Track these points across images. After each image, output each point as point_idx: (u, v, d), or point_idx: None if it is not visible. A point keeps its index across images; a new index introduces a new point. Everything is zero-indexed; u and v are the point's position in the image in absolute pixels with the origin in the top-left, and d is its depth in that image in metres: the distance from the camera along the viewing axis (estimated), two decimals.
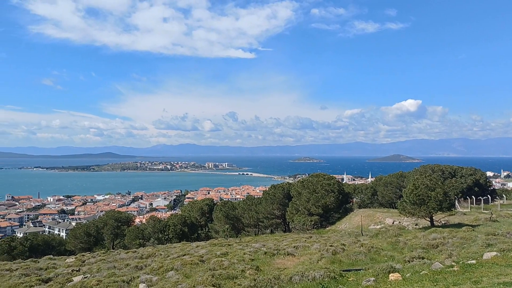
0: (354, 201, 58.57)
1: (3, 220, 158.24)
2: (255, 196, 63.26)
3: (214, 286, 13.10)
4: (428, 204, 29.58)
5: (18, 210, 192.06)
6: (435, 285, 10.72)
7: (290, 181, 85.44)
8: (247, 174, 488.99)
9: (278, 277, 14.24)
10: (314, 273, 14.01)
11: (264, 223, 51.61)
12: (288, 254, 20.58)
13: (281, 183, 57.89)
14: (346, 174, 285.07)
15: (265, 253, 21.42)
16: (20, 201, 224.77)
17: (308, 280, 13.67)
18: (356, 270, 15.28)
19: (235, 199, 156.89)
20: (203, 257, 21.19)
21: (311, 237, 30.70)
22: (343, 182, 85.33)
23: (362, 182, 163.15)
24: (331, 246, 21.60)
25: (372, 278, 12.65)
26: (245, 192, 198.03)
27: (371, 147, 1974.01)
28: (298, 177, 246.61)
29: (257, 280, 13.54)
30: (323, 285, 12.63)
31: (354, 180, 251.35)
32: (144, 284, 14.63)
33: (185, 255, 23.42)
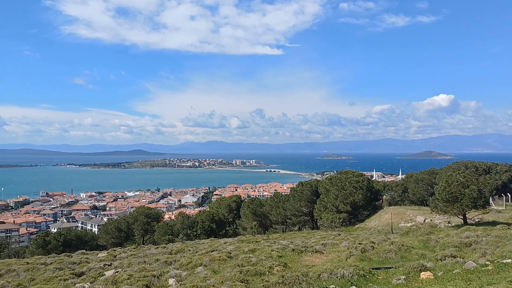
0: (383, 198, 57.61)
1: (38, 215, 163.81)
2: (283, 193, 63.13)
3: (242, 282, 13.12)
4: (461, 201, 28.76)
5: (52, 206, 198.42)
6: (468, 284, 10.40)
7: (318, 178, 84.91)
8: (274, 171, 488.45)
9: (306, 274, 14.13)
10: (343, 271, 13.83)
11: (291, 220, 51.46)
12: (316, 252, 20.42)
13: (309, 180, 57.53)
14: (375, 171, 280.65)
15: (293, 250, 21.32)
16: (54, 197, 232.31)
17: (337, 277, 13.51)
18: (386, 268, 15.01)
19: (263, 196, 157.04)
20: (231, 253, 21.28)
21: (339, 234, 30.38)
22: (373, 179, 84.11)
23: (392, 179, 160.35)
24: (360, 243, 21.30)
25: (403, 277, 12.39)
26: (273, 189, 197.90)
27: (401, 143, 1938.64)
28: (326, 174, 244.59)
29: (285, 277, 13.48)
30: (352, 283, 12.46)
31: (383, 177, 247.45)
32: (174, 279, 14.81)
33: (213, 251, 23.59)
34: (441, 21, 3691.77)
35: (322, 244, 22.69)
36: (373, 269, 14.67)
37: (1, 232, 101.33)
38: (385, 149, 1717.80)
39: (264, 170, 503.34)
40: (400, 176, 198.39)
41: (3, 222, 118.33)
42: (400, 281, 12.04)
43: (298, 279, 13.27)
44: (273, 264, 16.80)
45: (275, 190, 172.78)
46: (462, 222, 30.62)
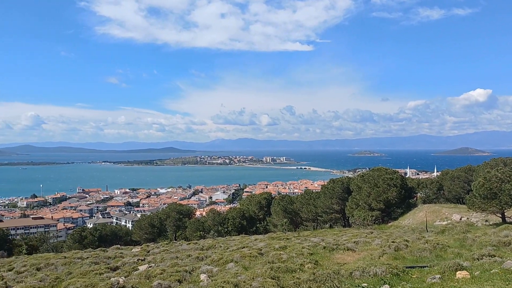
0: (418, 196, 56.26)
1: (75, 211, 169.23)
2: (314, 191, 62.71)
3: (273, 278, 13.07)
4: (500, 198, 27.71)
5: (88, 202, 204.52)
6: (507, 285, 9.99)
7: (350, 176, 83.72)
8: (305, 168, 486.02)
9: (337, 271, 13.94)
10: (376, 269, 13.57)
11: (322, 217, 51.04)
12: (348, 249, 20.13)
13: (340, 178, 56.90)
14: (409, 168, 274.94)
15: (324, 247, 21.11)
16: (90, 194, 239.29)
17: (369, 276, 13.26)
18: (421, 267, 14.62)
19: (293, 193, 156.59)
20: (261, 250, 21.28)
21: (372, 232, 29.87)
22: (406, 177, 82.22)
23: (427, 176, 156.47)
24: (393, 242, 20.85)
25: (438, 276, 12.03)
26: (303, 187, 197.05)
27: (436, 139, 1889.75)
28: (358, 171, 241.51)
29: (316, 274, 13.34)
30: (385, 281, 12.19)
31: (418, 174, 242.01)
32: (205, 275, 14.92)
33: (244, 247, 23.65)
34: (478, 14, 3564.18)
35: (354, 242, 22.36)
36: (406, 267, 14.33)
37: (40, 227, 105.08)
38: (419, 145, 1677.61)
39: (295, 167, 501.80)
40: (435, 173, 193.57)
41: (42, 218, 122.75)
42: (435, 280, 11.69)
43: (330, 277, 13.11)
44: (304, 261, 16.67)
45: (306, 187, 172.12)
46: (501, 221, 29.51)
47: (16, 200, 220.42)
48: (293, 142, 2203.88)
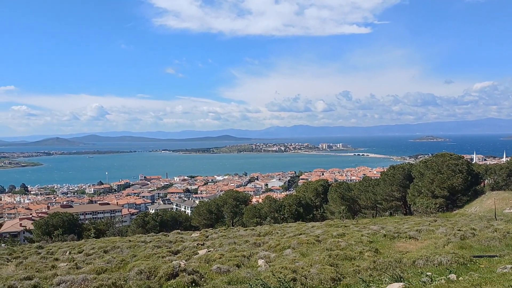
0: (485, 182, 53.13)
1: (138, 197, 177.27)
2: (372, 178, 61.17)
3: (331, 266, 12.82)
4: None
5: (150, 189, 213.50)
6: None
7: (411, 162, 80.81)
8: (363, 155, 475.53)
9: (399, 260, 13.42)
10: (440, 258, 12.89)
11: (382, 205, 49.67)
12: (410, 238, 19.37)
13: (401, 164, 54.99)
14: (475, 154, 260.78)
15: (385, 235, 20.46)
16: (151, 181, 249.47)
17: (434, 265, 12.63)
18: (489, 256, 13.72)
19: (351, 180, 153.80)
20: (319, 237, 21.02)
21: (435, 220, 28.61)
22: (473, 162, 77.94)
23: (495, 162, 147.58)
24: (459, 230, 19.79)
25: (509, 266, 11.18)
26: (361, 174, 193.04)
27: (505, 123, 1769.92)
28: (420, 157, 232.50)
29: (376, 262, 12.91)
30: (450, 271, 11.54)
31: (485, 160, 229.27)
32: (263, 260, 14.95)
33: (301, 234, 23.50)
34: None
35: (417, 230, 21.49)
36: (474, 257, 13.50)
37: (107, 212, 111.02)
38: (486, 129, 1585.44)
39: (352, 154, 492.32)
40: (504, 159, 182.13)
41: (108, 204, 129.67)
42: (506, 270, 10.88)
43: (391, 265, 12.63)
44: (363, 249, 16.24)
45: (364, 174, 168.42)
46: None
47: (84, 187, 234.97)
48: (350, 128, 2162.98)
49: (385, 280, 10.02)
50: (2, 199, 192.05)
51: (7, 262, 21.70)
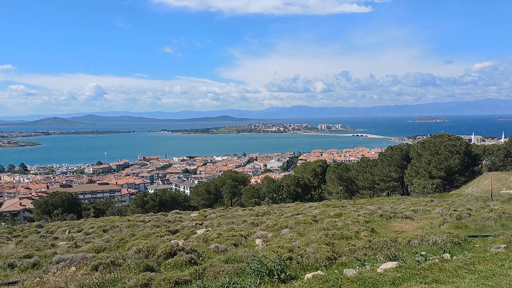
0: (483, 163, 53.34)
1: (137, 177, 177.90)
2: (371, 158, 61.35)
3: (327, 245, 12.97)
4: None
5: (149, 169, 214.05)
6: None
7: (409, 143, 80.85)
8: (361, 135, 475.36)
9: (395, 239, 13.57)
10: (435, 238, 13.04)
11: (380, 185, 49.98)
12: (406, 218, 19.56)
13: (399, 145, 55.12)
14: (474, 135, 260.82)
15: (381, 215, 20.65)
16: (150, 161, 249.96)
17: (429, 244, 12.79)
18: (484, 236, 13.88)
19: (349, 161, 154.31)
20: (316, 217, 21.21)
21: (432, 201, 28.84)
22: (471, 143, 78.10)
23: (494, 143, 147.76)
24: (455, 210, 19.98)
25: (503, 245, 11.32)
26: (360, 154, 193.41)
27: (505, 104, 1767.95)
28: (418, 138, 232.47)
29: (372, 242, 13.06)
30: (445, 250, 11.68)
31: (483, 140, 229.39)
32: (260, 240, 15.12)
33: (298, 214, 23.72)
34: None
35: (413, 211, 21.69)
36: (469, 237, 13.66)
37: (106, 192, 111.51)
38: (485, 110, 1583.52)
39: (351, 135, 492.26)
40: (502, 140, 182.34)
41: (107, 183, 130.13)
42: (499, 249, 11.02)
43: (386, 244, 12.78)
44: (359, 229, 16.41)
45: (362, 155, 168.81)
46: None
47: (83, 166, 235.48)
48: (349, 109, 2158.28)
49: (380, 259, 10.15)
50: (2, 179, 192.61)
51: (7, 240, 21.91)
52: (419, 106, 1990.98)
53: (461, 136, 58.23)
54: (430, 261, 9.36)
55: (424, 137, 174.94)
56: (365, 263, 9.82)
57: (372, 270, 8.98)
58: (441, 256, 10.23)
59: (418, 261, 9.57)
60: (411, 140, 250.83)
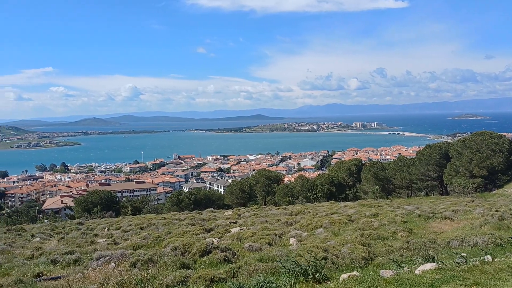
0: None
1: (172, 176, 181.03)
2: (408, 157, 59.89)
3: (363, 245, 12.77)
4: None
5: (184, 168, 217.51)
6: None
7: (449, 141, 78.44)
8: (398, 133, 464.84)
9: (433, 240, 13.22)
10: (476, 239, 12.61)
11: (417, 185, 48.75)
12: (445, 218, 18.99)
13: (438, 143, 53.52)
14: None
15: (419, 216, 20.15)
16: (185, 160, 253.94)
17: (469, 245, 12.37)
18: None
19: (385, 159, 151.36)
20: (351, 216, 20.92)
21: (472, 201, 27.88)
22: None
23: None
24: (497, 211, 19.23)
25: None
26: (396, 153, 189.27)
27: None
28: (458, 136, 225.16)
29: (410, 243, 12.77)
30: (486, 252, 11.27)
31: None
32: (294, 239, 15.06)
33: (333, 214, 23.47)
34: None
35: (453, 211, 21.04)
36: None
37: (142, 190, 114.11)
38: None
39: (387, 133, 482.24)
40: None
41: (144, 182, 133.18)
42: None
43: (425, 246, 12.46)
44: (396, 229, 16.08)
45: (399, 153, 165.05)
46: None
47: (121, 165, 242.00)
48: (385, 106, 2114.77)
49: (418, 261, 9.91)
50: (44, 177, 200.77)
51: (50, 237, 22.78)
52: (459, 103, 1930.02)
53: (503, 133, 55.90)
54: (470, 263, 9.07)
55: (464, 135, 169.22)
56: (403, 264, 9.61)
57: (410, 271, 8.78)
58: (482, 258, 9.89)
59: (458, 263, 9.29)
60: (451, 138, 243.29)
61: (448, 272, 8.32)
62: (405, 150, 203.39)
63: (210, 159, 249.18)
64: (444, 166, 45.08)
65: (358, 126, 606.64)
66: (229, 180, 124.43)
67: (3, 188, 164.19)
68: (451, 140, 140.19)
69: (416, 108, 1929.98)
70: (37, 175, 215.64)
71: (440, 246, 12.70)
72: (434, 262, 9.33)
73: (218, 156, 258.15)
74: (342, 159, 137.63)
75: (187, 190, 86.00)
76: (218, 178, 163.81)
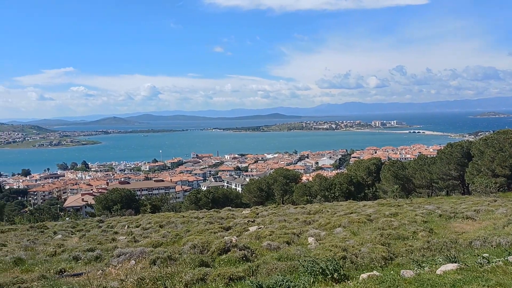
0: None
1: (190, 175, 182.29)
2: (428, 156, 59.04)
3: (383, 245, 12.63)
4: None
5: (202, 167, 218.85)
6: None
7: (470, 139, 76.98)
8: (418, 132, 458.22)
9: (455, 241, 13.00)
10: (499, 239, 12.36)
11: (438, 184, 48.02)
12: (467, 218, 18.64)
13: (459, 141, 52.60)
14: None
15: (440, 215, 19.82)
16: (203, 159, 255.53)
17: (492, 246, 12.13)
18: None
19: (405, 158, 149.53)
20: (370, 216, 20.72)
21: (495, 200, 27.29)
22: None
23: None
24: None
25: None
26: (416, 152, 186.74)
27: None
28: (480, 134, 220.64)
29: (430, 243, 12.58)
30: (509, 252, 11.03)
31: None
32: (313, 238, 15.00)
33: (352, 213, 23.28)
34: None
35: (475, 211, 20.64)
36: None
37: (161, 189, 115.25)
38: None
39: (407, 131, 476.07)
40: None
41: (162, 180, 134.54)
42: None
43: (446, 246, 12.27)
44: (417, 229, 15.85)
45: (419, 152, 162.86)
46: None
47: (140, 164, 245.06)
48: (405, 105, 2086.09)
49: (439, 261, 9.75)
50: (66, 176, 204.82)
51: (71, 234, 23.20)
52: (481, 101, 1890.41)
53: None
54: (493, 264, 8.89)
55: (487, 133, 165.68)
56: (423, 264, 9.49)
57: (431, 271, 8.66)
58: (506, 258, 9.69)
59: (481, 263, 9.11)
60: (472, 136, 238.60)
61: (471, 272, 8.19)
62: (426, 149, 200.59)
63: (228, 158, 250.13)
64: (465, 165, 44.30)
65: (377, 125, 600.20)
66: (247, 179, 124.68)
67: (26, 186, 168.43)
68: (472, 138, 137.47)
69: (436, 106, 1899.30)
70: (58, 173, 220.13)
71: (461, 247, 12.49)
72: (456, 262, 9.18)
73: (236, 155, 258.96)
74: (361, 158, 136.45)
75: (205, 188, 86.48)
76: (236, 176, 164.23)
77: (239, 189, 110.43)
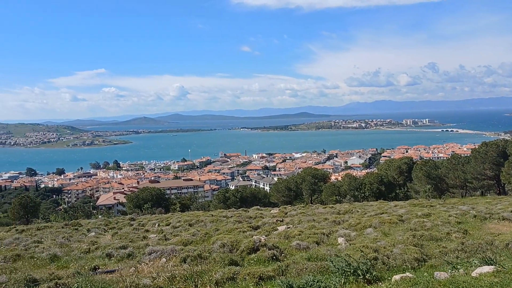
0: None
1: (218, 174, 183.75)
2: (462, 155, 57.46)
3: (415, 246, 12.35)
4: None
5: (230, 166, 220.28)
6: None
7: (507, 138, 74.27)
8: (451, 130, 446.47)
9: (491, 242, 12.56)
10: None
11: (472, 184, 46.65)
12: (503, 219, 18.01)
13: (495, 140, 50.93)
14: None
15: (475, 216, 19.23)
16: (231, 158, 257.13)
17: None
18: None
19: (438, 158, 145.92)
20: (402, 216, 20.32)
21: None
22: None
23: None
24: None
25: None
26: (450, 151, 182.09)
27: None
28: None
29: (465, 244, 12.22)
30: None
31: None
32: (343, 238, 14.82)
33: (382, 213, 22.89)
34: None
35: (511, 211, 19.93)
36: None
37: (190, 188, 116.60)
38: None
39: (439, 130, 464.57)
40: None
41: (191, 180, 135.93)
42: None
43: (481, 247, 11.88)
44: (450, 230, 15.42)
45: (453, 151, 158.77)
46: None
47: (169, 163, 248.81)
48: (438, 103, 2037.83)
49: (474, 263, 9.46)
50: (98, 175, 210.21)
51: (104, 232, 23.76)
52: None
53: None
54: None
55: None
56: (458, 267, 9.22)
57: (466, 274, 8.41)
58: None
59: None
60: (508, 135, 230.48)
61: (508, 275, 7.90)
62: (459, 148, 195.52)
63: (256, 157, 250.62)
64: (501, 164, 42.85)
65: (408, 123, 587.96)
66: (275, 178, 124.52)
67: (60, 185, 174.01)
68: (508, 137, 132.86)
69: (471, 104, 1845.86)
70: (91, 172, 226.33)
71: (498, 248, 12.07)
72: (492, 264, 8.89)
73: (264, 154, 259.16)
74: (392, 157, 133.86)
75: (233, 188, 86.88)
76: (264, 176, 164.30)
77: (267, 188, 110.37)
